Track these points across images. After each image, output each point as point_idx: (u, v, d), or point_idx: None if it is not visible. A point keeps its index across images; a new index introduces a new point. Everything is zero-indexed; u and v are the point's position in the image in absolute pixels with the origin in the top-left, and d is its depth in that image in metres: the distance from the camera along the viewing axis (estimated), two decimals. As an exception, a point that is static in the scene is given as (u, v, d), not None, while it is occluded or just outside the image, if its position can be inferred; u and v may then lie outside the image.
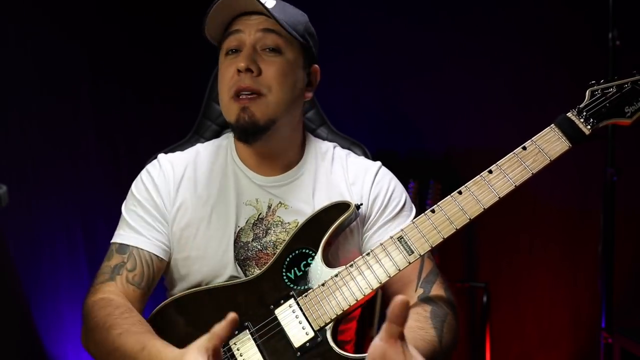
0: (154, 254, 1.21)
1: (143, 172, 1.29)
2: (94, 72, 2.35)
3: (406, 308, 0.86)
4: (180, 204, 1.24)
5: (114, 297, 1.14)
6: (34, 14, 2.13)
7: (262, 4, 1.15)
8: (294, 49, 1.22)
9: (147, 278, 1.19)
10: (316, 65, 1.30)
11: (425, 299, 1.16)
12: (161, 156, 1.31)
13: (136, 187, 1.27)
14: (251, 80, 1.16)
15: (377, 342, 0.89)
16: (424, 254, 1.08)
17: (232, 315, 0.92)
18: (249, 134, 1.19)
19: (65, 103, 2.27)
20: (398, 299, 0.85)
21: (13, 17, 2.07)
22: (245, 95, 1.17)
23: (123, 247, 1.21)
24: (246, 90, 1.16)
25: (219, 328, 0.93)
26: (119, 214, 1.31)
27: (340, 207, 1.17)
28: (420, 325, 1.08)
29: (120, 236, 1.22)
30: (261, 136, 1.20)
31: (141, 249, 1.20)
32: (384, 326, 0.89)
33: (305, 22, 1.25)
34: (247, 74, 1.16)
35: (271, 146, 1.24)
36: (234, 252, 1.21)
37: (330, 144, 1.36)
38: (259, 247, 1.21)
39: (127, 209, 1.25)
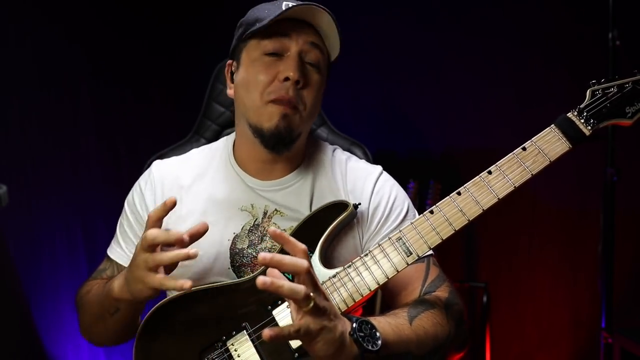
0: None
1: (135, 184, 1.31)
2: (94, 72, 2.35)
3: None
4: (171, 213, 1.23)
5: (92, 281, 1.29)
6: (34, 14, 2.13)
7: (336, 26, 1.15)
8: (327, 68, 1.23)
9: None
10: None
11: (417, 299, 1.14)
12: (154, 164, 1.31)
13: (127, 199, 1.31)
14: (294, 92, 1.15)
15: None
16: (423, 256, 1.07)
17: (170, 199, 1.02)
18: (285, 142, 1.18)
19: (65, 103, 2.27)
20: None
21: (13, 17, 2.07)
22: (285, 102, 1.15)
23: (110, 259, 1.31)
24: (289, 101, 1.15)
25: (153, 211, 1.02)
26: (118, 214, 1.33)
27: (338, 207, 1.16)
28: (392, 312, 1.08)
29: (113, 250, 1.31)
30: (290, 147, 1.20)
31: (121, 265, 1.28)
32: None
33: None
34: (294, 85, 1.15)
35: (289, 155, 1.23)
36: (230, 258, 1.20)
37: (330, 147, 1.34)
38: (254, 254, 1.20)
39: (119, 221, 1.32)
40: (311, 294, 0.89)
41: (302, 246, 0.93)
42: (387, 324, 1.02)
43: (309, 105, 1.18)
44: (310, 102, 1.18)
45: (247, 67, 1.19)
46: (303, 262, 0.91)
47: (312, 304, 0.89)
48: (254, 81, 1.17)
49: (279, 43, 1.16)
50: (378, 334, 0.97)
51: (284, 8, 1.14)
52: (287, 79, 1.14)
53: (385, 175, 1.30)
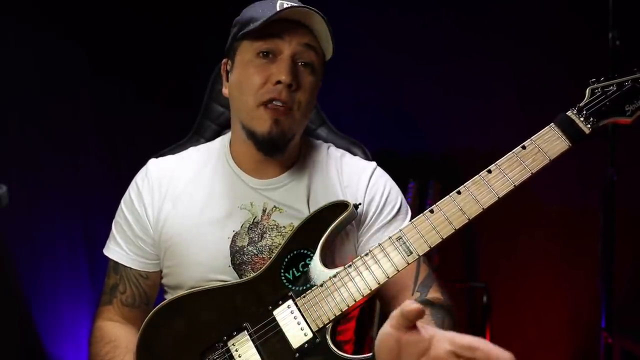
0: (141, 271, 1.28)
1: (132, 183, 1.31)
2: (94, 72, 2.35)
3: (419, 315, 0.81)
4: (168, 212, 1.24)
5: (107, 330, 1.24)
6: (34, 14, 2.13)
7: (328, 28, 1.15)
8: (322, 67, 1.23)
9: (139, 297, 1.27)
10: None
11: (424, 302, 1.16)
12: (151, 163, 1.31)
13: (124, 198, 1.31)
14: (288, 95, 1.15)
15: (389, 331, 0.84)
16: (421, 256, 1.07)
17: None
18: (279, 147, 1.19)
19: (65, 103, 2.26)
20: (412, 307, 0.81)
21: (13, 17, 2.07)
22: (277, 106, 1.15)
23: (117, 266, 1.28)
24: (282, 104, 1.15)
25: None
26: (118, 214, 1.33)
27: (338, 207, 1.16)
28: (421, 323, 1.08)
29: (110, 250, 1.30)
30: (284, 150, 1.21)
31: (129, 267, 1.27)
32: (395, 317, 0.83)
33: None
34: (286, 88, 1.15)
35: (283, 156, 1.24)
36: (230, 256, 1.20)
37: (325, 145, 1.35)
38: (254, 251, 1.21)
39: (115, 220, 1.31)
40: None
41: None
42: None
43: (303, 106, 1.19)
44: (304, 103, 1.18)
45: (241, 68, 1.19)
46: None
47: None
48: (247, 83, 1.17)
49: (272, 44, 1.16)
50: None
51: (277, 8, 1.14)
52: (279, 82, 1.14)
53: (380, 171, 1.31)
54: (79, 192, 2.31)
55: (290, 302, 1.09)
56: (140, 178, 1.30)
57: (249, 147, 1.22)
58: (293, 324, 1.07)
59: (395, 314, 0.82)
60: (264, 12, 1.15)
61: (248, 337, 1.08)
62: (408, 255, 1.06)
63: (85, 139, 2.35)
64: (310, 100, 1.21)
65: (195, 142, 1.61)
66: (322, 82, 1.33)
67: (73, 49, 2.27)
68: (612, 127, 1.93)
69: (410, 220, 1.10)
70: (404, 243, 1.07)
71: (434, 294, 1.19)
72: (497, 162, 1.07)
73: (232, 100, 1.24)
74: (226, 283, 1.17)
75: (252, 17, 1.17)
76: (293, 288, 1.11)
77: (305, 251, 1.13)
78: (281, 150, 1.20)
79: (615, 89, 1.08)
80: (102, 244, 1.33)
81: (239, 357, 1.07)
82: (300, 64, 1.18)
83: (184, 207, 1.24)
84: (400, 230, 1.08)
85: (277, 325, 1.08)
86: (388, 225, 1.25)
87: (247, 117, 1.18)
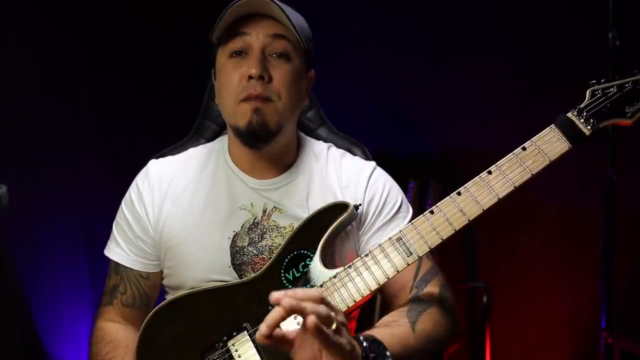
0: (142, 272, 1.28)
1: (132, 184, 1.31)
2: (94, 72, 2.35)
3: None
4: (168, 212, 1.24)
5: (108, 331, 1.25)
6: (34, 14, 2.13)
7: (283, 11, 1.14)
8: (299, 54, 1.22)
9: (140, 297, 1.27)
10: (312, 71, 1.30)
11: (411, 299, 1.16)
12: (151, 163, 1.31)
13: (124, 199, 1.31)
14: (262, 87, 1.15)
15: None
16: (422, 255, 1.08)
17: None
18: (261, 139, 1.18)
19: (65, 103, 2.26)
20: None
21: (13, 17, 2.07)
22: (254, 96, 1.16)
23: (117, 266, 1.28)
24: (257, 97, 1.15)
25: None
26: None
27: (338, 208, 1.16)
28: (392, 320, 1.08)
29: (111, 250, 1.30)
30: (270, 141, 1.20)
31: (129, 268, 1.27)
32: None
33: (308, 27, 1.25)
34: (259, 81, 1.15)
35: (274, 150, 1.23)
36: (230, 256, 1.21)
37: (325, 145, 1.35)
38: (254, 251, 1.21)
39: (116, 221, 1.31)
40: (332, 314, 0.86)
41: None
42: (394, 338, 1.02)
43: (286, 96, 1.18)
44: (284, 92, 1.18)
45: (219, 73, 1.22)
46: (316, 292, 0.87)
47: (335, 324, 0.86)
48: (226, 84, 1.19)
49: (240, 42, 1.18)
50: (388, 352, 0.96)
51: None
52: (251, 77, 1.15)
53: (379, 170, 1.31)
54: (79, 192, 2.31)
55: (290, 302, 1.09)
56: (140, 179, 1.30)
57: (239, 146, 1.23)
58: (293, 324, 1.07)
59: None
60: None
61: (248, 337, 1.08)
62: (408, 256, 1.06)
63: (85, 139, 2.35)
64: (293, 90, 1.20)
65: (195, 142, 1.61)
66: (318, 82, 1.33)
67: (73, 49, 2.27)
68: (612, 128, 1.92)
69: (410, 220, 1.10)
70: (404, 244, 1.07)
71: (431, 288, 1.18)
72: (497, 163, 1.08)
73: (219, 105, 1.26)
74: (226, 283, 1.17)
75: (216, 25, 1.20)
76: (293, 288, 1.11)
77: (306, 252, 1.13)
78: (266, 141, 1.19)
79: (615, 90, 1.09)
80: (102, 244, 1.33)
81: (239, 357, 1.07)
82: (274, 55, 1.18)
83: (185, 207, 1.24)
84: (401, 230, 1.08)
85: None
86: (389, 224, 1.24)
87: (231, 116, 1.20)
